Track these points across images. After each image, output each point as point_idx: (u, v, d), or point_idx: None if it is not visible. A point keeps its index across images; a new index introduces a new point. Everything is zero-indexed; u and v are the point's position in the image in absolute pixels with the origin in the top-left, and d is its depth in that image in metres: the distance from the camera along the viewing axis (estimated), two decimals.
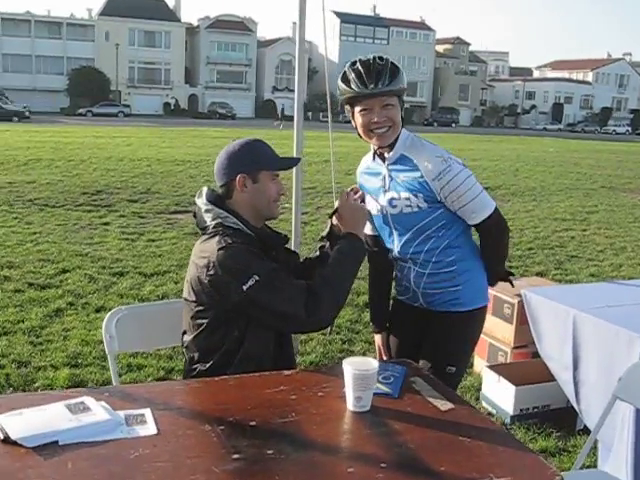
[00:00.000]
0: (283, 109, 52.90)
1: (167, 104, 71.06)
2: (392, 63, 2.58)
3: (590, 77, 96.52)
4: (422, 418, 2.03)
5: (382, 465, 1.75)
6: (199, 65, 75.25)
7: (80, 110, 58.60)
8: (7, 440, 1.80)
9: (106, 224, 10.03)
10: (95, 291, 6.45)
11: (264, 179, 2.45)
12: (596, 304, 3.54)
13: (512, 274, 3.01)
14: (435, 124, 73.62)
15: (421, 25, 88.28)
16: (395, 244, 2.80)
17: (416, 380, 2.29)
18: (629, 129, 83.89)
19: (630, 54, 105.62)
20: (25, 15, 68.41)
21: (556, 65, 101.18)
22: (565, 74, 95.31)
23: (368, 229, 2.86)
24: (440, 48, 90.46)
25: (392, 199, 2.71)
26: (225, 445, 1.83)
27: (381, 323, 3.08)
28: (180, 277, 6.87)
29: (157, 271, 7.28)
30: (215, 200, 2.48)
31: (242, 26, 76.90)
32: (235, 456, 1.77)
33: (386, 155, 2.71)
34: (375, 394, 2.08)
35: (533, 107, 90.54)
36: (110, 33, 68.83)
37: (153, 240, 9.00)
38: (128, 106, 64.25)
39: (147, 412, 2.00)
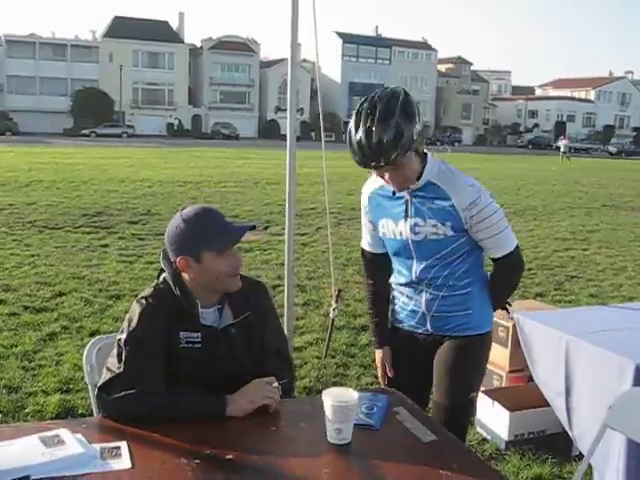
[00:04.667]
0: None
1: (170, 125, 71.30)
2: (402, 110, 2.40)
3: (592, 95, 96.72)
4: (403, 450, 2.00)
5: None
6: (202, 86, 75.57)
7: (84, 131, 58.89)
8: None
9: (105, 246, 10.01)
10: (90, 314, 6.42)
11: (209, 258, 2.28)
12: (590, 329, 3.49)
13: (509, 303, 2.99)
14: (438, 143, 73.75)
15: (423, 45, 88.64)
16: (413, 269, 2.72)
17: (399, 410, 2.25)
18: (632, 147, 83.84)
19: (632, 72, 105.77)
20: (30, 37, 68.88)
21: (558, 84, 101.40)
22: (567, 92, 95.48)
23: (367, 245, 2.90)
24: (442, 67, 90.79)
25: (416, 225, 2.62)
26: None
27: (383, 338, 2.96)
28: None
29: None
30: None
31: (245, 47, 77.32)
32: None
33: (411, 185, 2.60)
34: (356, 425, 2.04)
35: (536, 126, 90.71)
36: (114, 54, 69.20)
37: (151, 262, 8.95)
38: (132, 127, 64.58)
39: (123, 445, 1.97)
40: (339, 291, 5.23)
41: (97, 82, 68.14)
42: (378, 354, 3.00)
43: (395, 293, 2.88)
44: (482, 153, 50.80)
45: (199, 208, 2.35)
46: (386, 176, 2.53)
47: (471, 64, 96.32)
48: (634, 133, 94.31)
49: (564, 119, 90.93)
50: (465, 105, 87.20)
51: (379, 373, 3.02)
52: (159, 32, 71.74)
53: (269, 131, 73.35)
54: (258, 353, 2.40)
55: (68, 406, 4.41)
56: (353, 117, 2.46)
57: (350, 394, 2.04)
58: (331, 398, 1.99)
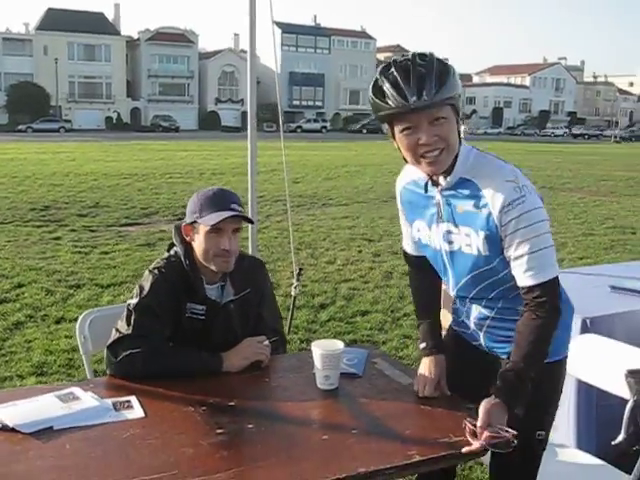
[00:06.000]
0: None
1: (109, 118, 70.34)
2: (439, 61, 1.98)
3: (528, 81, 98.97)
4: (386, 391, 2.25)
5: (353, 431, 1.96)
6: (141, 78, 74.68)
7: (20, 126, 57.65)
8: (4, 428, 1.94)
9: (57, 238, 10.02)
10: (53, 303, 6.51)
11: (201, 232, 2.46)
12: None
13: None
14: (379, 132, 74.52)
15: (362, 34, 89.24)
16: (451, 284, 2.25)
17: (378, 360, 2.50)
18: (567, 131, 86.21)
19: (565, 58, 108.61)
20: None
21: (495, 70, 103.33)
22: (504, 79, 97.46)
23: (408, 246, 2.41)
24: (381, 56, 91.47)
25: (449, 232, 2.14)
26: (209, 422, 2.01)
27: (437, 343, 2.33)
28: None
29: (113, 282, 7.36)
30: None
31: (183, 38, 76.65)
32: (219, 431, 1.95)
33: (441, 181, 2.10)
34: (341, 374, 2.28)
35: (474, 112, 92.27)
36: (49, 47, 67.84)
37: (106, 252, 9.04)
38: (69, 121, 63.57)
39: (133, 399, 2.16)
40: (300, 269, 5.45)
41: (32, 76, 66.79)
42: (427, 362, 2.29)
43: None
44: None
45: (215, 187, 2.57)
46: (423, 138, 1.96)
47: (410, 52, 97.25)
48: (568, 118, 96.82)
49: (501, 105, 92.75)
50: None
51: (420, 386, 2.23)
52: (94, 24, 70.58)
53: (209, 123, 73.05)
54: (252, 328, 2.61)
55: None
56: (376, 78, 2.01)
57: (336, 344, 2.28)
58: (320, 348, 2.22)
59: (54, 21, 68.18)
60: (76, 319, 5.74)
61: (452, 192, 2.09)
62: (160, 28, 76.03)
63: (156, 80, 75.35)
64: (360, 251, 9.51)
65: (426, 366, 2.26)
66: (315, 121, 74.20)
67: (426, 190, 2.15)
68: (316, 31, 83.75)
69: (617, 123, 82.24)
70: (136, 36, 76.22)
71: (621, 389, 2.15)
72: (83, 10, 72.68)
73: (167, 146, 35.86)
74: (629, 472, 2.46)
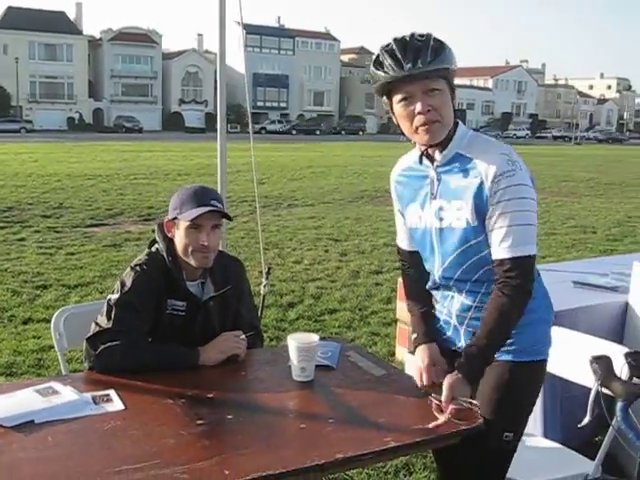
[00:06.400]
0: None
1: (71, 119, 69.51)
2: (436, 39, 2.06)
3: (490, 84, 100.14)
4: (360, 382, 2.31)
5: (330, 420, 2.02)
6: (103, 78, 73.95)
7: None
8: None
9: (22, 240, 9.92)
10: (20, 304, 6.46)
11: (181, 227, 2.51)
12: None
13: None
14: (343, 132, 74.87)
15: (326, 35, 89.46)
16: (436, 266, 2.24)
17: (351, 353, 2.56)
18: (529, 133, 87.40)
19: (527, 61, 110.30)
20: None
21: (457, 72, 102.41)
22: (466, 81, 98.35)
23: (401, 241, 2.44)
24: (345, 58, 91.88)
25: (440, 209, 2.16)
26: (188, 414, 2.05)
27: (429, 329, 2.33)
28: (104, 287, 6.96)
29: (81, 282, 7.32)
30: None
31: (146, 38, 76.08)
32: (199, 422, 1.99)
33: (437, 156, 2.16)
34: (316, 366, 2.34)
35: None
36: (9, 47, 66.80)
37: (72, 253, 8.98)
38: (30, 122, 62.66)
39: (112, 392, 2.19)
40: (269, 268, 5.49)
41: None
42: (419, 352, 2.29)
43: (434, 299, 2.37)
44: (385, 141, 51.81)
45: (197, 184, 2.62)
46: (418, 106, 2.04)
47: (373, 54, 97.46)
48: (530, 119, 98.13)
49: (464, 107, 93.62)
50: (368, 95, 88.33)
51: (417, 377, 2.26)
52: (56, 23, 69.69)
53: (173, 123, 72.61)
54: (231, 324, 2.65)
55: None
56: (377, 53, 2.12)
57: (311, 337, 2.34)
58: (295, 341, 2.28)
59: (14, 20, 67.12)
60: (44, 320, 5.82)
61: (447, 167, 2.14)
62: (123, 28, 75.39)
63: (119, 80, 74.69)
64: (327, 251, 9.58)
65: (419, 356, 2.27)
66: (279, 122, 74.16)
67: (420, 162, 2.21)
68: (280, 32, 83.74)
69: (577, 125, 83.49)
70: (98, 36, 75.42)
71: (585, 377, 2.23)
72: (44, 9, 71.81)
73: (131, 147, 35.58)
74: (593, 459, 2.57)
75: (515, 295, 2.03)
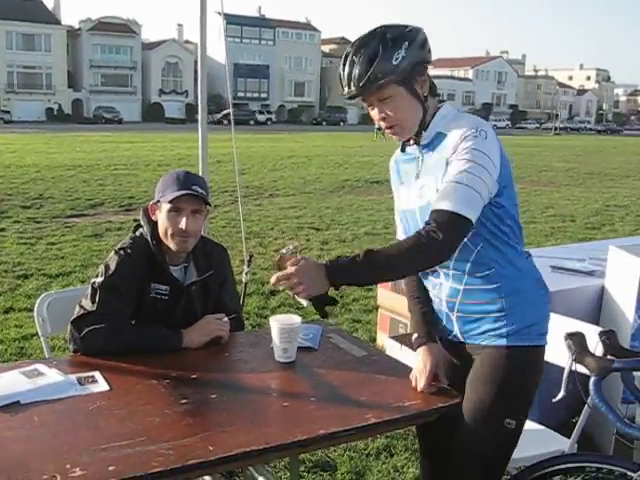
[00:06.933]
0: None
1: (50, 109, 68.91)
2: (380, 41, 2.04)
3: (471, 74, 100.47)
4: (342, 363, 2.36)
5: (312, 399, 2.06)
6: (82, 69, 73.31)
7: None
8: None
9: (2, 230, 9.86)
10: (1, 293, 6.45)
11: (163, 210, 2.55)
12: None
13: (336, 302, 2.05)
14: (324, 123, 74.81)
15: (306, 26, 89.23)
16: None
17: (333, 335, 2.61)
18: (509, 123, 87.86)
19: (507, 52, 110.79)
20: None
21: (438, 63, 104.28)
22: (447, 72, 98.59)
23: (400, 233, 2.35)
24: (326, 48, 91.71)
25: (422, 187, 2.15)
26: (173, 394, 2.09)
27: (429, 330, 2.30)
28: (86, 276, 6.96)
29: (62, 272, 7.31)
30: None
31: (126, 28, 75.49)
32: (183, 401, 2.03)
33: (422, 138, 2.17)
34: (298, 348, 2.38)
35: None
36: None
37: (53, 243, 8.96)
38: (8, 112, 62.04)
39: (97, 374, 2.22)
40: (250, 256, 5.52)
41: None
42: (421, 353, 2.27)
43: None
44: (367, 132, 51.90)
45: (182, 169, 2.66)
46: (375, 113, 2.13)
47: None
48: (510, 110, 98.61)
49: (445, 97, 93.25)
50: None
51: (413, 379, 2.23)
52: (34, 12, 68.90)
53: (153, 114, 72.21)
54: (212, 309, 2.68)
55: None
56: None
57: (293, 318, 2.38)
58: (278, 322, 2.32)
59: None
60: (26, 309, 5.82)
61: (428, 147, 2.15)
62: (102, 18, 74.72)
63: (98, 71, 74.08)
64: (308, 240, 9.63)
65: (420, 358, 2.24)
66: (260, 113, 73.97)
67: (403, 150, 2.25)
68: (261, 22, 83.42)
69: (557, 116, 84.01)
70: (77, 26, 74.71)
71: (563, 359, 2.28)
72: None
73: (111, 138, 35.37)
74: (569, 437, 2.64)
75: (431, 244, 1.94)
